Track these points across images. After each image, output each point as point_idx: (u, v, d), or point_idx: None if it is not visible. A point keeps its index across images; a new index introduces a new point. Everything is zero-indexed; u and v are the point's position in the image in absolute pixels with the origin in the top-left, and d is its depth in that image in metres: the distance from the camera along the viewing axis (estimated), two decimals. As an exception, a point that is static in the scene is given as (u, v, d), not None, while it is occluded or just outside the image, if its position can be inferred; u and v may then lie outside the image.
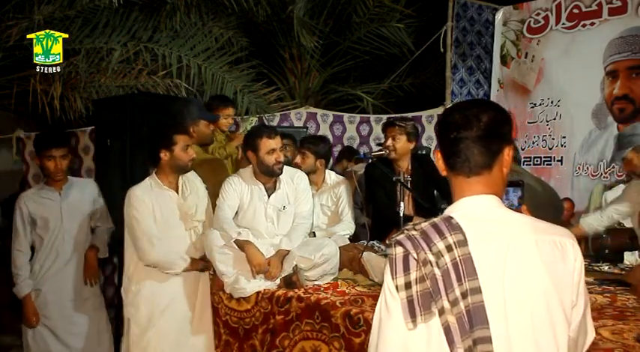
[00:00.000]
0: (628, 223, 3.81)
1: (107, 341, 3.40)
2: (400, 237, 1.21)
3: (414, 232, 1.21)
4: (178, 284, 2.97)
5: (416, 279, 1.18)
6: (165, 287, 2.93)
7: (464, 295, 1.14)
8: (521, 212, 1.63)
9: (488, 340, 1.13)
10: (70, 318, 3.26)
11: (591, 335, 1.30)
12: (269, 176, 3.12)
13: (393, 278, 1.20)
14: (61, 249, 3.25)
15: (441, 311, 1.16)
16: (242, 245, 2.92)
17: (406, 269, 1.19)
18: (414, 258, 1.18)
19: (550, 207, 3.55)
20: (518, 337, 1.16)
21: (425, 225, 1.22)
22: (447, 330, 1.15)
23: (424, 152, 4.59)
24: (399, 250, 1.20)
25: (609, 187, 4.85)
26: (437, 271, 1.16)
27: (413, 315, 1.17)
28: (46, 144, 3.22)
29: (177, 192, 2.99)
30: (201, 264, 2.99)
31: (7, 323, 4.32)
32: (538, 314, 1.17)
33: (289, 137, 4.45)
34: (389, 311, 1.21)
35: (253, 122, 4.49)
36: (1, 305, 4.24)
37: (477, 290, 1.15)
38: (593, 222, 3.27)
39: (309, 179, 3.73)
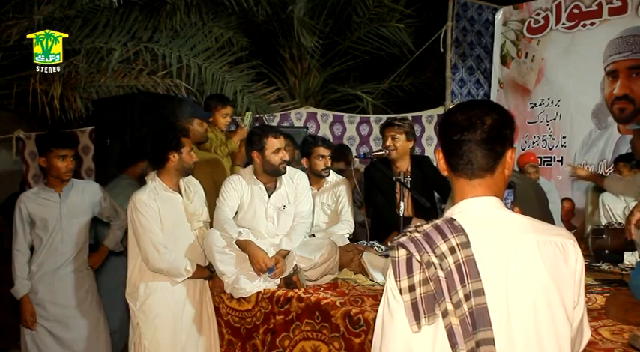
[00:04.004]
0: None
1: (105, 342, 3.39)
2: (403, 239, 1.20)
3: (416, 234, 1.20)
4: (187, 285, 2.96)
5: (419, 282, 1.18)
6: (175, 290, 2.93)
7: (467, 297, 1.14)
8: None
9: (491, 341, 1.13)
10: (68, 319, 3.26)
11: (587, 336, 1.30)
12: (274, 175, 3.12)
13: (396, 281, 1.19)
14: (60, 249, 3.25)
15: (445, 313, 1.15)
16: (243, 245, 2.91)
17: (409, 271, 1.18)
18: (418, 261, 1.18)
19: (535, 200, 3.56)
20: (521, 338, 1.16)
21: (427, 226, 1.21)
22: (450, 332, 1.14)
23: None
24: (402, 252, 1.19)
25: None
26: (440, 273, 1.16)
27: (417, 318, 1.16)
28: (59, 143, 3.19)
29: (181, 194, 2.99)
30: (208, 273, 3.00)
31: (7, 323, 4.31)
32: (541, 315, 1.17)
33: (289, 137, 4.45)
34: (392, 314, 1.20)
35: (249, 117, 4.48)
36: (1, 305, 4.24)
37: (480, 292, 1.15)
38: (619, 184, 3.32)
39: (320, 180, 3.74)
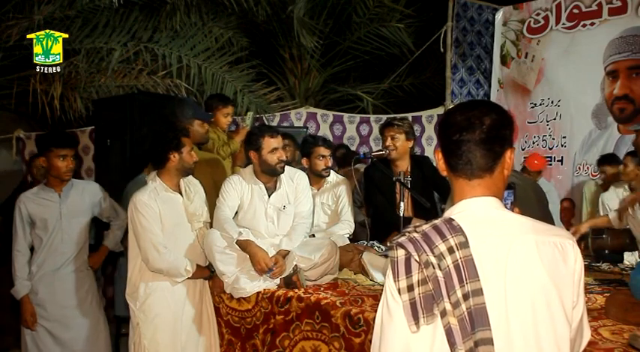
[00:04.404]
0: (628, 223, 3.82)
1: (105, 342, 3.39)
2: (401, 239, 1.20)
3: (415, 234, 1.20)
4: (187, 285, 2.96)
5: (418, 282, 1.17)
6: (175, 290, 2.93)
7: (465, 297, 1.14)
8: None
9: (489, 341, 1.13)
10: (68, 319, 3.25)
11: (587, 336, 1.30)
12: (271, 175, 3.11)
13: (395, 281, 1.19)
14: (60, 250, 3.24)
15: (443, 313, 1.15)
16: (244, 245, 2.91)
17: (408, 271, 1.18)
18: (416, 261, 1.18)
19: (535, 200, 3.56)
20: (520, 338, 1.16)
21: (426, 226, 1.21)
22: (449, 332, 1.14)
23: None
24: (401, 252, 1.19)
25: (604, 188, 4.87)
26: (439, 273, 1.16)
27: (415, 318, 1.16)
28: (59, 143, 3.18)
29: (181, 195, 2.99)
30: (208, 273, 3.00)
31: (7, 323, 4.31)
32: (539, 315, 1.17)
33: (290, 137, 4.45)
34: (390, 314, 1.20)
35: (251, 117, 4.48)
36: (1, 306, 4.24)
37: (479, 292, 1.14)
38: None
39: (320, 180, 3.74)
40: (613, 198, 4.27)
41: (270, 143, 3.05)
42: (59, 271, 3.24)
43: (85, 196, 3.34)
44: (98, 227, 3.72)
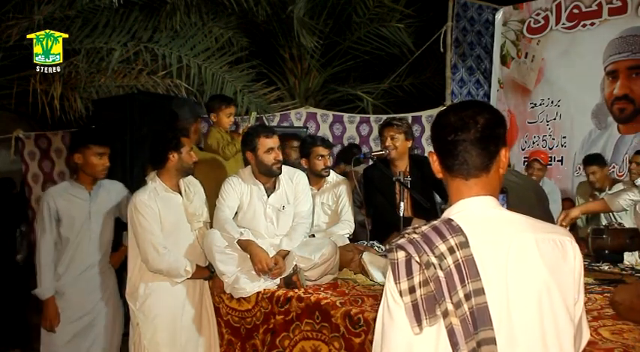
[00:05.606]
0: (628, 223, 3.81)
1: (118, 342, 3.34)
2: (401, 241, 1.20)
3: (414, 235, 1.20)
4: (186, 286, 2.96)
5: (419, 283, 1.17)
6: (175, 290, 2.92)
7: (467, 297, 1.14)
8: None
9: (492, 341, 1.12)
10: (93, 319, 3.14)
11: (587, 336, 1.30)
12: (269, 176, 3.11)
13: (396, 283, 1.19)
14: (88, 249, 3.11)
15: (445, 314, 1.15)
16: (245, 245, 2.91)
17: (409, 273, 1.18)
18: (417, 262, 1.17)
19: (535, 200, 3.56)
20: (523, 337, 1.16)
21: (425, 228, 1.21)
22: (451, 333, 1.14)
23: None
24: (401, 254, 1.19)
25: (593, 189, 4.86)
26: (440, 273, 1.15)
27: (418, 319, 1.16)
28: (98, 140, 3.10)
29: (181, 195, 2.98)
30: (208, 273, 2.99)
31: (8, 324, 4.30)
32: (542, 313, 1.17)
33: (296, 138, 4.45)
34: (392, 317, 1.20)
35: (253, 117, 4.49)
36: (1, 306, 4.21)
37: (480, 292, 1.14)
38: (621, 202, 3.30)
39: (320, 180, 3.74)
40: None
41: (266, 143, 3.04)
42: (87, 272, 3.11)
43: (112, 195, 3.24)
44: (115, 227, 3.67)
